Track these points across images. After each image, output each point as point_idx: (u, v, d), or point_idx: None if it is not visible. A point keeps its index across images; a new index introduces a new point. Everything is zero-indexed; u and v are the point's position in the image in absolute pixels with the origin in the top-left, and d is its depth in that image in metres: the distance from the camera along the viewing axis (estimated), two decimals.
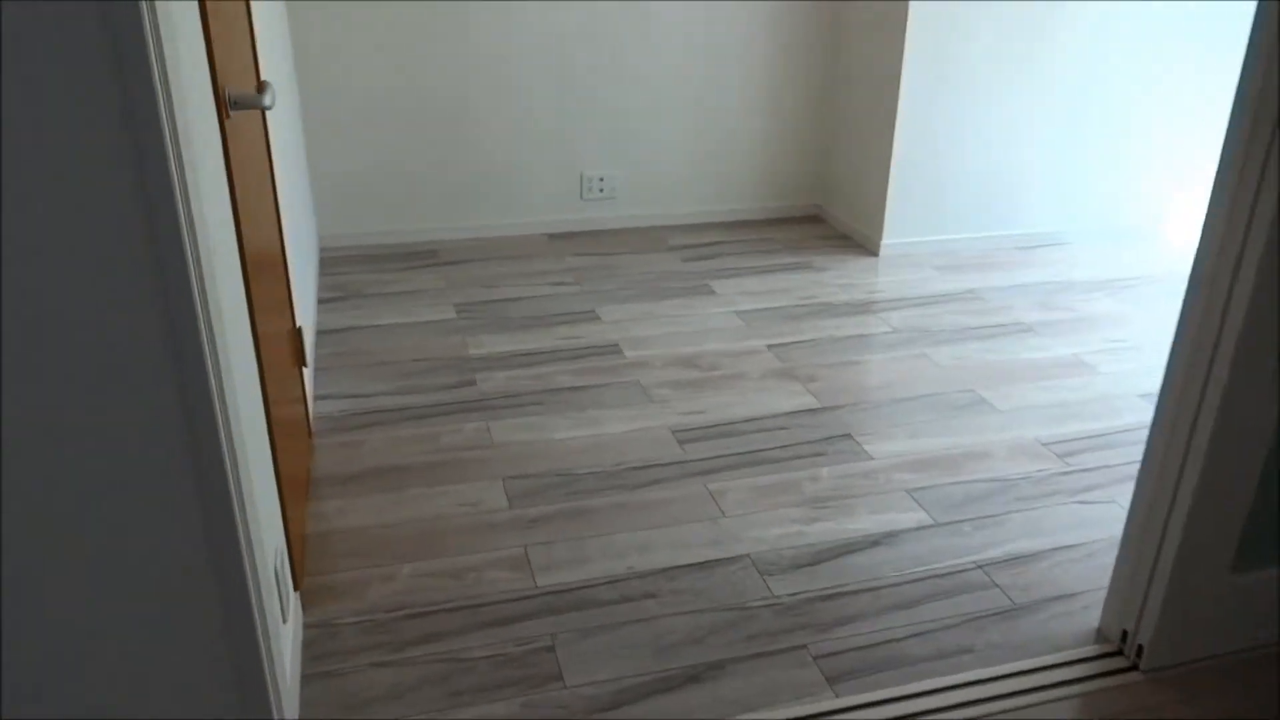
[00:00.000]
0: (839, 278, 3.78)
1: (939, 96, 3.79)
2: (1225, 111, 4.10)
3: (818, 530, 2.29)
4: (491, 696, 1.79)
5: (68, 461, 1.18)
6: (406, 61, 3.70)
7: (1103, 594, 2.10)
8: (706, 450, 2.59)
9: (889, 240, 3.99)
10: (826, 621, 2.00)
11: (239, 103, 1.70)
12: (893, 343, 3.25)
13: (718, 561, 2.17)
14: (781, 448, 2.62)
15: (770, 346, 3.19)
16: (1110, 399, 2.92)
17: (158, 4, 1.06)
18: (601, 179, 4.09)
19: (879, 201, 3.95)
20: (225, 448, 1.23)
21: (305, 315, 2.81)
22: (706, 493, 2.41)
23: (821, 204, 4.42)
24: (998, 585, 2.12)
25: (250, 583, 1.33)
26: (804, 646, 1.93)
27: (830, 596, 2.08)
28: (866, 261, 3.96)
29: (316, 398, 2.79)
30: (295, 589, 1.93)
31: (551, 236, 4.10)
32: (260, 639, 1.38)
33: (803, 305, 3.52)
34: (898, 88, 3.74)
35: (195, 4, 1.39)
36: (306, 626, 1.94)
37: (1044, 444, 2.67)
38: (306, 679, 1.82)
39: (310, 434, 2.59)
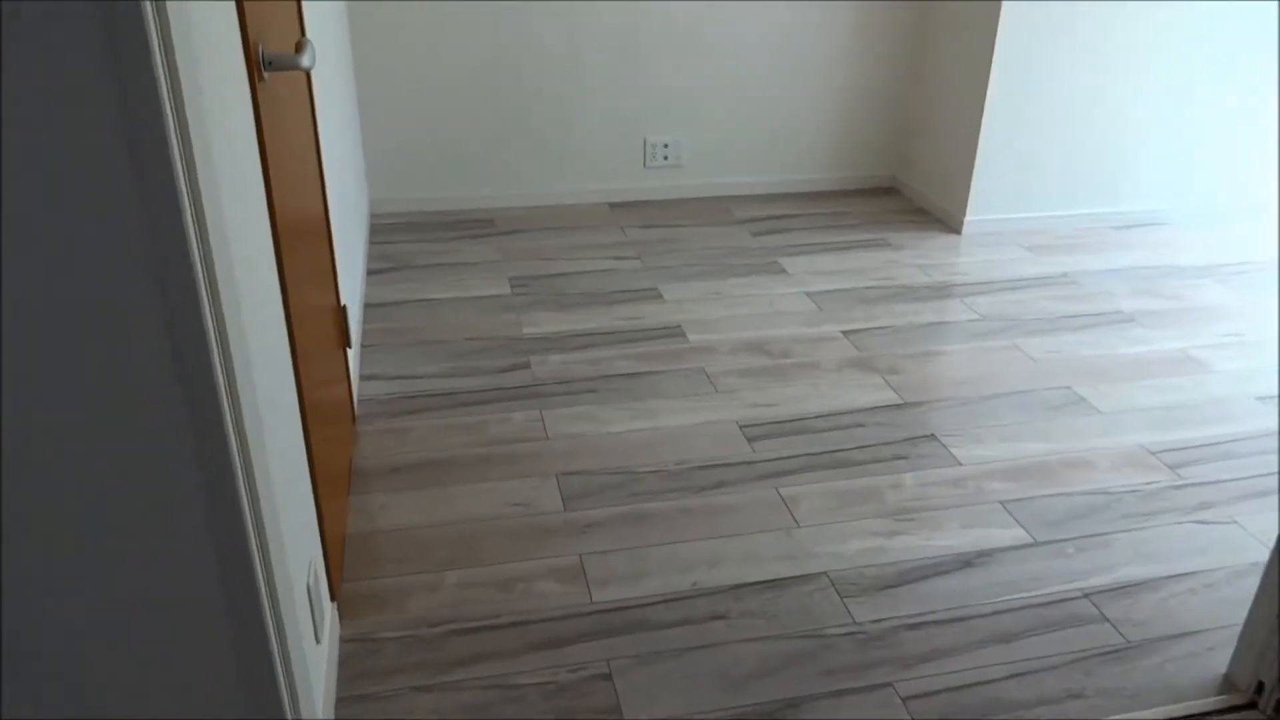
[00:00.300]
0: (919, 257, 3.52)
1: (1034, 63, 3.48)
2: None
3: (901, 546, 2.07)
4: None
5: (52, 454, 1.01)
6: (464, 23, 3.49)
7: (1228, 634, 1.86)
8: (777, 449, 2.38)
9: (973, 217, 3.71)
10: (913, 656, 1.79)
11: (274, 63, 1.51)
12: (979, 331, 3.00)
13: (791, 580, 1.97)
14: (860, 449, 2.40)
15: (846, 333, 2.96)
16: (1224, 402, 2.65)
17: None
18: (666, 145, 3.85)
19: (964, 174, 3.67)
20: (235, 449, 1.05)
21: (352, 290, 2.65)
22: (778, 498, 2.21)
23: (898, 175, 4.14)
24: (1108, 619, 1.89)
25: (266, 605, 1.16)
26: (889, 685, 1.73)
27: (917, 625, 1.87)
28: (948, 239, 3.68)
29: (362, 378, 2.63)
30: (332, 598, 1.77)
31: (612, 206, 3.88)
32: (278, 669, 1.21)
33: (880, 287, 3.27)
34: (991, 52, 3.44)
35: None
36: (344, 640, 1.78)
37: (1151, 452, 2.42)
38: (342, 702, 1.66)
39: (354, 419, 2.43)
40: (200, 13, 1.06)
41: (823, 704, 1.69)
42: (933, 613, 1.90)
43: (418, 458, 2.31)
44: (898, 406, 2.58)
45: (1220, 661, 1.80)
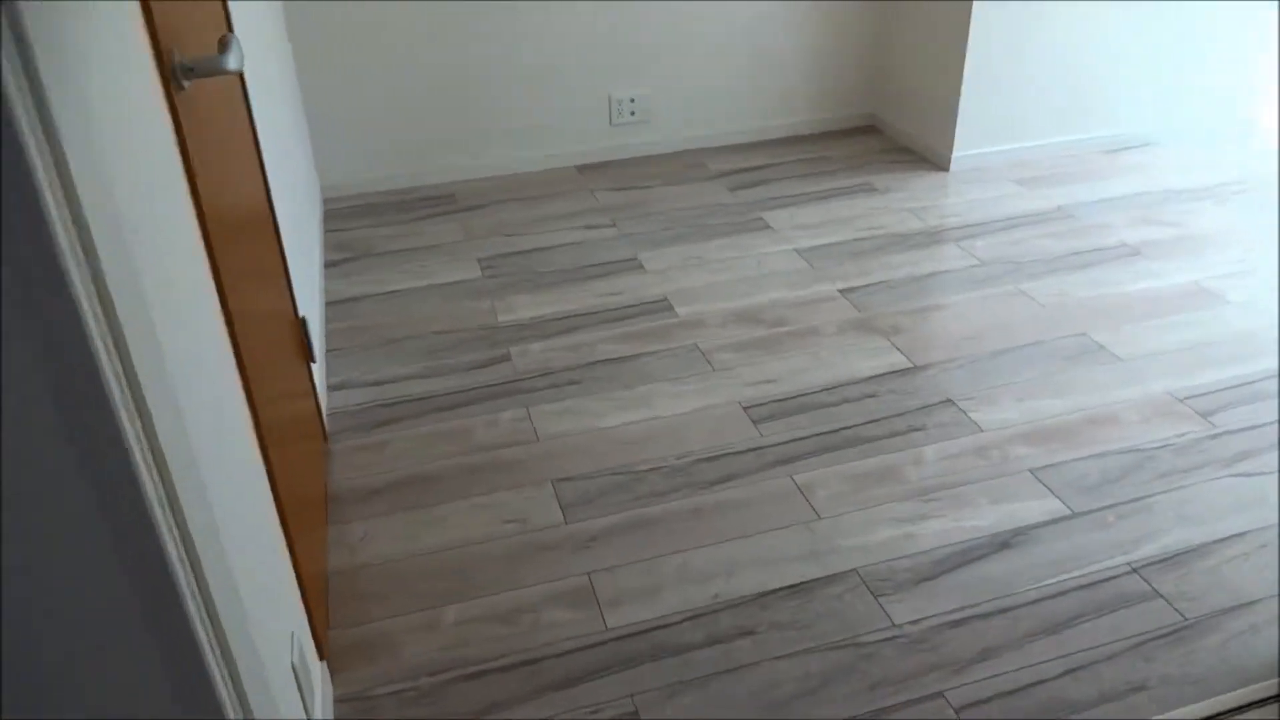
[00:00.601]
0: (907, 200, 3.34)
1: None
2: None
3: (932, 531, 1.92)
4: None
5: None
6: None
7: None
8: (786, 430, 2.22)
9: (960, 152, 3.52)
10: (962, 658, 1.65)
11: (197, 69, 1.29)
12: (980, 278, 2.83)
13: (820, 581, 1.82)
14: (873, 422, 2.24)
15: (842, 291, 2.78)
16: (1246, 337, 2.51)
17: None
18: (632, 101, 3.62)
19: (948, 108, 3.47)
20: (161, 521, 0.83)
21: (311, 295, 2.43)
22: (794, 487, 2.05)
23: (877, 113, 3.93)
24: (1160, 595, 1.76)
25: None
26: (940, 695, 1.59)
27: (960, 621, 1.72)
28: (935, 178, 3.50)
29: (330, 388, 2.43)
30: (320, 656, 1.60)
31: (580, 169, 3.66)
32: None
33: (870, 237, 3.09)
34: None
35: None
36: (337, 701, 1.61)
37: (1179, 399, 2.28)
38: None
39: (325, 437, 2.24)
40: (86, 23, 0.84)
41: None
42: (975, 605, 1.75)
43: (399, 475, 2.13)
44: (906, 371, 2.42)
45: None
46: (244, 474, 1.22)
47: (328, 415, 2.32)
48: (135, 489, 0.80)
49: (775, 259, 2.97)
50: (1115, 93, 3.59)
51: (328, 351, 2.57)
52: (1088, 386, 2.33)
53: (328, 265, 3.02)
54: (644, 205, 3.35)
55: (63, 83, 0.73)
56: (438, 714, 1.58)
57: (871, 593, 1.79)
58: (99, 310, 0.76)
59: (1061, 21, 3.37)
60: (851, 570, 1.84)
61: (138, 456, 0.79)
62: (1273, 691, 1.57)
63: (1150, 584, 1.78)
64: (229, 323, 1.29)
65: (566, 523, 1.97)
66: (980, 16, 3.27)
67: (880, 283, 2.82)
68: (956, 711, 1.56)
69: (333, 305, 2.80)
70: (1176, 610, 1.73)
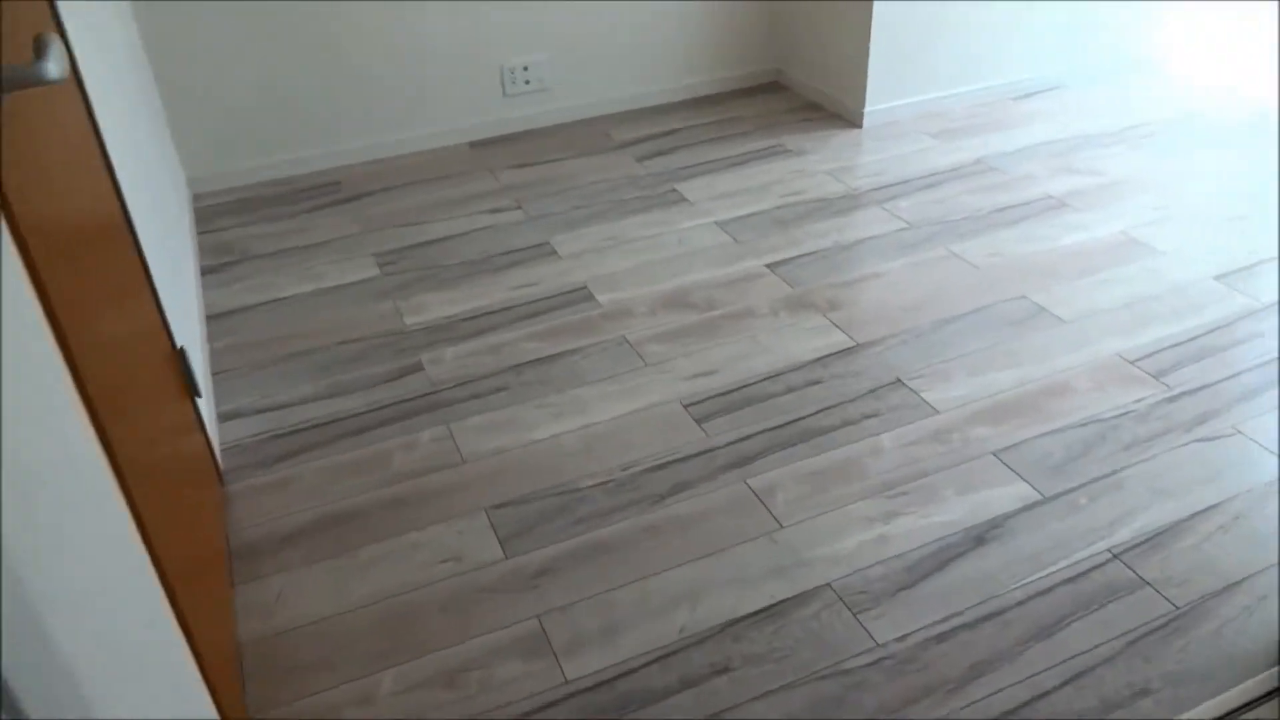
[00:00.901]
0: (824, 161, 3.19)
1: None
2: None
3: (902, 530, 1.79)
4: None
5: None
6: None
7: (1272, 577, 1.67)
8: (733, 428, 2.06)
9: (872, 107, 3.39)
10: (954, 677, 1.53)
11: (9, 82, 1.02)
12: (911, 242, 2.71)
13: (792, 601, 1.67)
14: (823, 411, 2.09)
15: (770, 266, 2.62)
16: (1182, 288, 2.45)
17: None
18: (526, 69, 3.36)
19: (858, 61, 3.33)
20: None
21: (186, 309, 2.14)
22: (750, 493, 1.89)
23: (782, 68, 3.77)
24: (1147, 582, 1.67)
25: None
26: None
27: (947, 634, 1.60)
28: (849, 135, 3.36)
29: (221, 417, 2.16)
30: None
31: (474, 145, 3.39)
32: None
33: (791, 204, 2.94)
34: None
35: None
36: None
37: (1129, 361, 2.20)
38: None
39: (220, 479, 1.97)
40: None
41: None
42: (959, 614, 1.63)
43: (311, 516, 1.89)
44: (850, 350, 2.28)
45: (1274, 613, 1.60)
46: (98, 537, 0.98)
47: (220, 452, 2.05)
48: None
49: (696, 234, 2.79)
50: (1020, 38, 3.50)
51: (213, 375, 2.29)
52: (1036, 354, 2.24)
53: (204, 272, 2.71)
54: (549, 183, 3.12)
55: None
56: None
57: (849, 609, 1.65)
58: None
59: None
60: (824, 585, 1.69)
61: None
62: (1275, 684, 1.49)
63: (1135, 571, 1.69)
64: (70, 361, 1.04)
65: (507, 557, 1.77)
66: None
67: (809, 254, 2.67)
68: None
69: (214, 319, 2.50)
70: (1166, 599, 1.64)
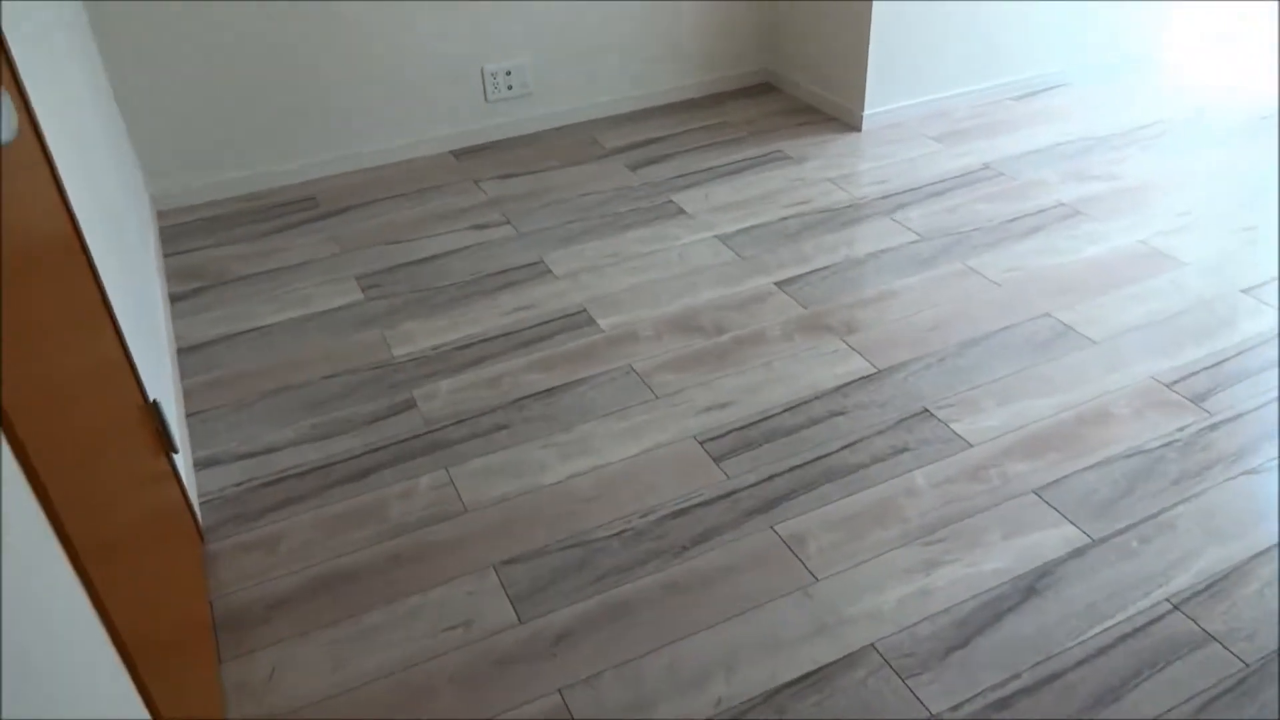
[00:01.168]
0: (824, 168, 3.06)
1: None
2: None
3: (946, 581, 1.67)
4: None
5: None
6: None
7: None
8: (754, 467, 1.92)
9: (872, 109, 3.26)
10: None
11: None
12: (924, 256, 2.59)
13: (836, 666, 1.53)
14: (849, 446, 1.96)
15: (780, 284, 2.49)
16: (1210, 303, 2.35)
17: None
18: (509, 73, 3.20)
19: (857, 61, 3.19)
20: None
21: (154, 344, 1.97)
22: (779, 541, 1.75)
23: (774, 69, 3.62)
24: (1212, 636, 1.55)
25: None
26: None
27: (1007, 700, 1.47)
28: (848, 140, 3.23)
29: (198, 464, 1.99)
30: None
31: (458, 155, 3.22)
32: None
33: (795, 215, 2.80)
34: None
35: None
36: None
37: (1166, 384, 2.09)
38: None
39: (200, 536, 1.81)
40: None
41: None
42: (1017, 676, 1.51)
43: (303, 578, 1.73)
44: (872, 378, 2.15)
45: None
46: (41, 613, 0.82)
47: (199, 506, 1.88)
48: None
49: (697, 250, 2.65)
50: (1023, 35, 3.39)
51: (187, 417, 2.11)
52: (1069, 379, 2.12)
53: (174, 300, 2.53)
54: (538, 194, 2.96)
55: None
56: None
57: (898, 674, 1.52)
58: None
59: None
60: (868, 646, 1.56)
61: None
62: None
63: (1197, 623, 1.58)
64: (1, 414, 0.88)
65: (521, 621, 1.63)
66: None
67: (819, 270, 2.54)
68: None
69: (186, 353, 2.32)
70: (1233, 654, 1.53)
